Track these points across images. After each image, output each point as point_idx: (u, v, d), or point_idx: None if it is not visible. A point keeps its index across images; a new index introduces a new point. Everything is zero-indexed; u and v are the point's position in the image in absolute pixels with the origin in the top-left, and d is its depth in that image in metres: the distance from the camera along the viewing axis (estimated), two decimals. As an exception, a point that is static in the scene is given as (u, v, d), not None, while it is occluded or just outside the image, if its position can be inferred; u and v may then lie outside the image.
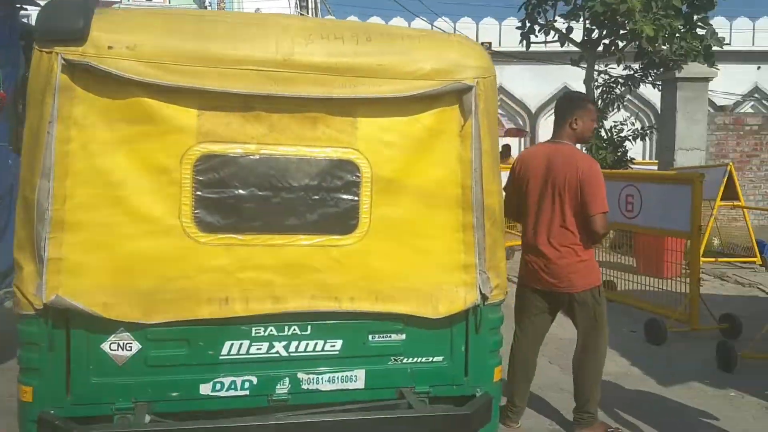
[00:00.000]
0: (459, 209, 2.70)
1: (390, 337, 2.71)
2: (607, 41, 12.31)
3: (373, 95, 2.56)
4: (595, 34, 12.36)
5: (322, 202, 2.61)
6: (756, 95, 24.31)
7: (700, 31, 11.93)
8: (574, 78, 16.55)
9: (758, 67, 23.70)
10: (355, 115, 2.60)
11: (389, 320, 2.68)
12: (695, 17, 11.87)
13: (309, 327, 2.63)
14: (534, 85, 23.22)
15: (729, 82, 19.66)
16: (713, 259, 9.67)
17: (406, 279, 2.68)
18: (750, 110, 23.36)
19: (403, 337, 2.72)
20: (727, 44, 12.72)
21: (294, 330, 2.61)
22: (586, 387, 3.91)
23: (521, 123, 23.88)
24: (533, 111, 23.90)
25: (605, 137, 12.44)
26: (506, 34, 21.00)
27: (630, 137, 12.80)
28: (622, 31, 11.83)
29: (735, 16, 23.62)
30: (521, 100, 23.82)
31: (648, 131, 14.17)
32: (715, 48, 11.91)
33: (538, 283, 3.87)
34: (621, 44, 12.24)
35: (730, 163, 9.24)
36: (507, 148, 14.36)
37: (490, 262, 2.75)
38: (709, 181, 7.15)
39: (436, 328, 2.73)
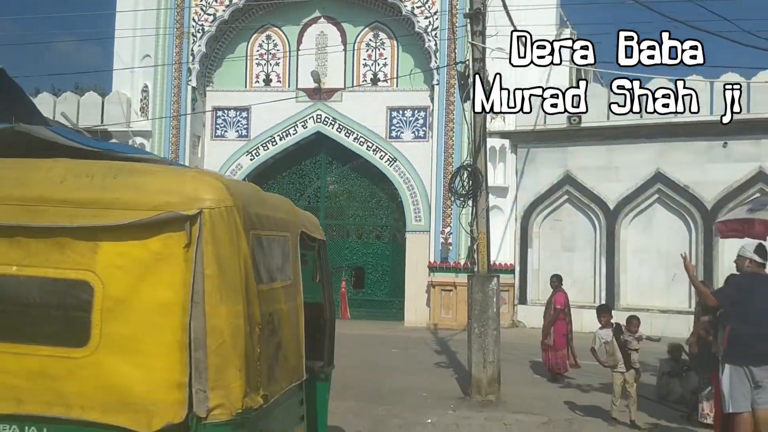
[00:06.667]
0: (179, 330, 2.96)
1: None
2: None
3: (103, 224, 2.97)
4: None
5: (61, 317, 3.03)
6: None
7: None
8: None
9: None
10: (97, 240, 3.00)
11: (113, 430, 2.94)
12: None
13: (45, 429, 3.00)
14: None
15: None
16: None
17: (131, 393, 2.96)
18: None
19: None
20: None
21: (32, 430, 3.00)
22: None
23: None
24: None
25: None
26: None
27: None
28: None
29: None
30: None
31: None
32: None
33: None
34: None
35: None
36: None
37: (214, 382, 2.97)
38: None
39: None
